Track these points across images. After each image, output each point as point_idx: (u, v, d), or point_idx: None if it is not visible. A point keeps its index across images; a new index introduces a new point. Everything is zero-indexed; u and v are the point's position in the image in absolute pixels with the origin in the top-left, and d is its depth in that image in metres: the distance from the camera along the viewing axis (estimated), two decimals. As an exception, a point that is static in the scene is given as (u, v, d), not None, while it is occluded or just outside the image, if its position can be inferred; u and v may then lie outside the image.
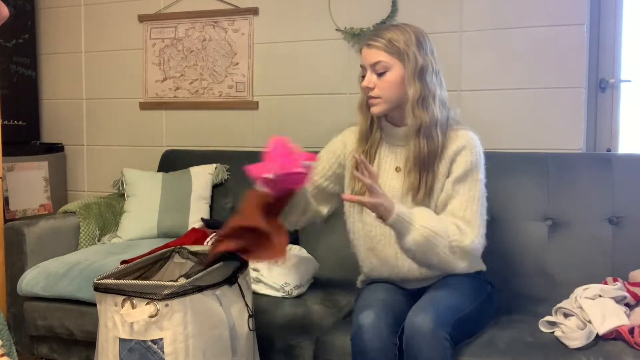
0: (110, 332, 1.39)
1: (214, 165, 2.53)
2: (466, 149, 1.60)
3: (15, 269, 2.15)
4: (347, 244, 1.81)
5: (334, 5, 2.50)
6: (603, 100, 2.28)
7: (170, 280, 1.39)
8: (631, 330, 1.45)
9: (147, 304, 1.34)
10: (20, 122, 2.91)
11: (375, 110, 1.63)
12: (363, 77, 1.64)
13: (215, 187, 2.52)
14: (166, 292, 1.34)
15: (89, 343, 1.97)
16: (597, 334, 1.47)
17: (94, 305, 1.93)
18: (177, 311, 1.35)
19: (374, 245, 1.69)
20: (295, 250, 2.11)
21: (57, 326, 2.00)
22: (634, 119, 2.27)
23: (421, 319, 1.42)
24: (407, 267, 1.64)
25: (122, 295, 1.36)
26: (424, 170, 1.60)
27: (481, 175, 1.62)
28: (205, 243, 2.12)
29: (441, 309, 1.46)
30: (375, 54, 1.59)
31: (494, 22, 2.28)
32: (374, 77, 1.60)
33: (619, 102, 2.26)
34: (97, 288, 1.40)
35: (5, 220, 2.35)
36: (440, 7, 2.34)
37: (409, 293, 1.66)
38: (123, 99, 2.92)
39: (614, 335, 1.46)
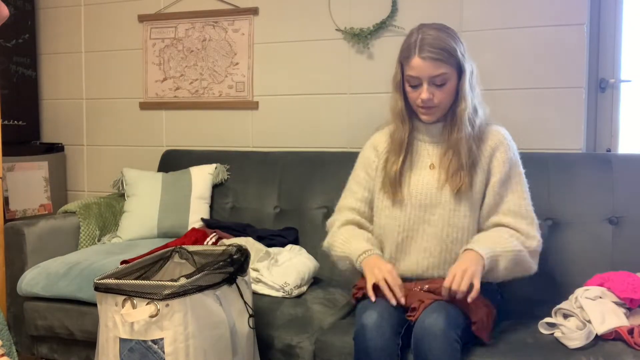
0: (111, 332, 1.39)
1: (214, 165, 2.53)
2: (502, 145, 1.65)
3: (15, 269, 2.15)
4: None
5: (334, 5, 2.50)
6: (603, 100, 2.28)
7: (171, 280, 1.40)
8: (630, 331, 1.45)
9: (147, 303, 1.34)
10: (20, 122, 2.91)
11: (430, 118, 1.65)
12: (412, 86, 1.62)
13: (215, 187, 2.52)
14: (166, 292, 1.34)
15: (89, 343, 1.97)
16: (597, 335, 1.47)
17: (94, 305, 1.94)
18: (177, 311, 1.35)
19: (401, 240, 1.68)
20: (295, 250, 2.11)
21: (57, 326, 2.00)
22: (634, 119, 2.26)
23: (433, 319, 1.41)
24: (426, 265, 1.66)
25: (123, 295, 1.36)
26: (466, 166, 1.62)
27: (521, 168, 1.69)
28: (205, 243, 2.12)
29: (452, 312, 1.46)
30: (437, 66, 1.57)
31: (494, 22, 2.28)
32: (433, 88, 1.59)
33: (619, 102, 2.26)
34: (98, 288, 1.40)
35: (5, 220, 2.35)
36: (440, 7, 2.34)
37: None
38: (123, 99, 2.92)
39: (614, 336, 1.47)
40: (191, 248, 1.70)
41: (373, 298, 1.52)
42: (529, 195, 1.68)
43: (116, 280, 1.40)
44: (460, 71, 1.61)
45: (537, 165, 2.02)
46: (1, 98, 2.44)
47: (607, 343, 1.46)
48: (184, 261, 1.69)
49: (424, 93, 1.59)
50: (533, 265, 1.62)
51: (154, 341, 1.35)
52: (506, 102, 2.28)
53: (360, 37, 2.44)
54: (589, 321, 1.49)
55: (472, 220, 1.65)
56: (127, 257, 2.03)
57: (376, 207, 1.75)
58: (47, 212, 2.85)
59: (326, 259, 2.14)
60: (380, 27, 2.42)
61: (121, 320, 1.36)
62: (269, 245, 2.15)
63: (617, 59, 2.25)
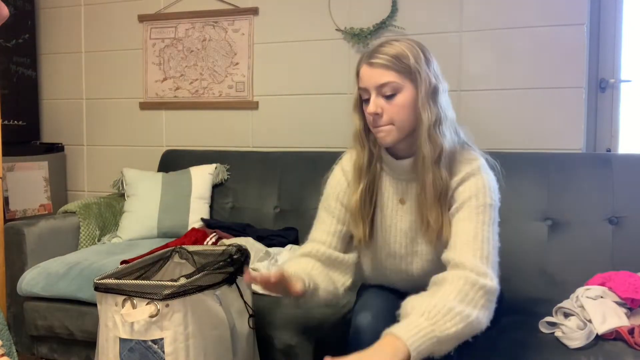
0: (111, 332, 1.39)
1: (214, 165, 2.53)
2: (473, 176, 1.40)
3: (15, 269, 2.15)
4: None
5: (334, 5, 2.50)
6: (603, 100, 2.28)
7: (171, 280, 1.39)
8: (631, 331, 1.45)
9: (147, 303, 1.34)
10: (20, 122, 2.91)
11: (385, 140, 1.38)
12: (364, 101, 1.40)
13: (215, 187, 2.52)
14: (166, 292, 1.34)
15: (89, 343, 1.97)
16: (597, 334, 1.47)
17: (94, 305, 1.93)
18: (177, 311, 1.35)
19: (384, 275, 1.59)
20: (295, 250, 2.11)
21: (57, 326, 2.00)
22: (634, 119, 2.27)
23: None
24: (411, 286, 1.54)
25: (123, 295, 1.36)
26: (442, 203, 1.40)
27: (492, 200, 1.39)
28: (205, 243, 2.12)
29: None
30: (382, 74, 1.35)
31: (494, 22, 2.28)
32: (381, 100, 1.36)
33: (619, 102, 2.26)
34: (98, 288, 1.40)
35: (5, 220, 2.35)
36: (440, 7, 2.34)
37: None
38: (123, 99, 2.92)
39: (614, 336, 1.47)
40: (191, 248, 1.70)
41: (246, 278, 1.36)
42: (494, 234, 1.38)
43: (116, 280, 1.40)
44: (416, 85, 1.36)
45: (537, 165, 2.03)
46: (1, 98, 2.44)
47: (607, 343, 1.46)
48: (184, 261, 1.69)
49: (371, 105, 1.36)
50: (484, 322, 1.27)
51: (154, 341, 1.35)
52: (506, 102, 2.28)
53: (360, 37, 2.44)
54: (590, 320, 1.49)
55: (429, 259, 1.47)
56: (127, 257, 2.03)
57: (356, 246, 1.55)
58: (47, 212, 2.85)
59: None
60: (380, 27, 2.42)
61: (121, 320, 1.36)
62: (269, 245, 2.15)
63: (617, 59, 2.25)
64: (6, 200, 2.63)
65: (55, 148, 2.98)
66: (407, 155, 1.44)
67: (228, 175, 2.53)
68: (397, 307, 1.55)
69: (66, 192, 3.04)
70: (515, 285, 1.82)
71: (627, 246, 1.87)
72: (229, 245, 1.66)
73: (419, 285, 1.39)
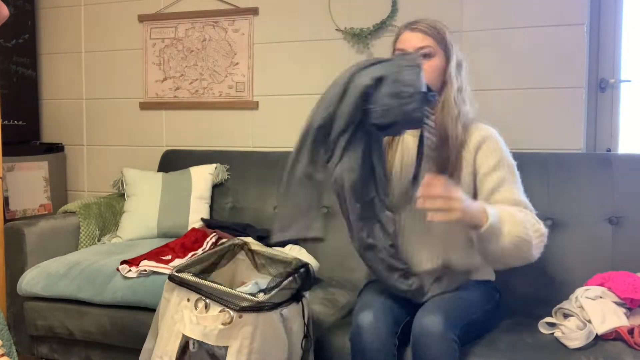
0: (176, 325, 1.37)
1: (214, 165, 2.53)
2: (488, 139, 1.60)
3: (15, 269, 2.15)
4: (347, 244, 1.81)
5: (334, 5, 2.50)
6: (603, 100, 2.28)
7: (250, 293, 1.37)
8: (631, 331, 1.45)
9: (221, 310, 1.33)
10: (20, 122, 2.91)
11: None
12: None
13: (215, 187, 2.52)
14: (244, 304, 1.33)
15: (89, 343, 1.97)
16: (597, 334, 1.47)
17: (94, 305, 1.94)
18: (248, 324, 1.33)
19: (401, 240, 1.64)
20: (295, 251, 2.11)
21: (57, 326, 2.00)
22: (634, 119, 2.26)
23: (431, 320, 1.41)
24: (417, 261, 1.62)
25: (198, 293, 1.35)
26: (446, 158, 1.56)
27: (511, 159, 1.61)
28: (205, 243, 2.12)
29: (450, 312, 1.46)
30: (422, 38, 1.57)
31: (494, 22, 2.28)
32: None
33: (619, 102, 2.26)
34: (172, 279, 1.38)
35: (5, 220, 2.35)
36: (440, 7, 2.34)
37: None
38: (123, 99, 2.92)
39: (614, 336, 1.47)
40: (253, 246, 1.66)
41: None
42: (522, 188, 1.59)
43: (195, 278, 1.38)
44: (447, 56, 1.59)
45: (537, 165, 2.03)
46: (1, 98, 2.44)
47: (607, 343, 1.46)
48: (244, 258, 1.66)
49: None
50: (535, 252, 1.47)
51: (219, 347, 1.34)
52: (506, 102, 2.28)
53: (360, 37, 2.44)
54: (589, 321, 1.49)
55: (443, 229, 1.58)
56: (127, 257, 2.03)
57: None
58: (47, 212, 2.85)
59: (326, 259, 2.14)
60: (380, 27, 2.42)
61: (191, 318, 1.35)
62: (269, 246, 2.15)
63: (617, 59, 2.24)
64: (6, 200, 2.63)
65: (55, 148, 2.98)
66: None
67: (228, 175, 2.53)
68: (398, 306, 1.56)
69: (66, 192, 3.04)
70: (515, 286, 1.83)
71: (627, 246, 1.87)
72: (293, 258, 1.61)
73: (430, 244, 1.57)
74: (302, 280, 1.51)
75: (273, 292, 1.38)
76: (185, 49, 2.77)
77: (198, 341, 1.35)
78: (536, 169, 2.02)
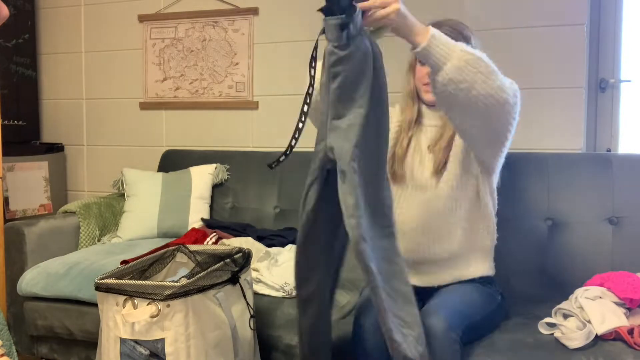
0: (112, 332, 1.39)
1: (214, 165, 2.53)
2: None
3: (15, 269, 2.15)
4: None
5: (334, 5, 2.50)
6: (603, 100, 2.28)
7: (172, 280, 1.39)
8: (630, 331, 1.45)
9: (148, 304, 1.34)
10: (20, 122, 2.91)
11: (433, 97, 1.51)
12: (422, 63, 1.63)
13: (215, 187, 2.52)
14: (167, 292, 1.34)
15: (89, 343, 1.97)
16: (597, 335, 1.47)
17: (94, 305, 1.94)
18: (178, 311, 1.35)
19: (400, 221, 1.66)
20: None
21: (57, 326, 2.00)
22: (634, 119, 2.27)
23: (434, 320, 1.42)
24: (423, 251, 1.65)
25: (124, 295, 1.36)
26: (451, 153, 1.62)
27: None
28: (205, 243, 2.12)
29: (453, 312, 1.46)
30: None
31: (494, 22, 2.28)
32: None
33: (619, 102, 2.26)
34: (99, 288, 1.40)
35: (5, 220, 2.35)
36: (440, 7, 2.34)
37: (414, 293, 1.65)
38: (123, 99, 2.92)
39: (614, 336, 1.47)
40: (193, 247, 1.70)
41: None
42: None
43: (117, 280, 1.40)
44: None
45: (537, 165, 2.03)
46: (1, 98, 2.45)
47: (607, 343, 1.46)
48: (186, 260, 1.69)
49: (424, 70, 1.61)
50: (498, 81, 1.38)
51: (155, 341, 1.35)
52: (506, 102, 2.28)
53: (360, 37, 2.44)
54: (589, 321, 1.49)
55: (463, 202, 1.62)
56: (127, 257, 2.03)
57: None
58: (47, 212, 2.85)
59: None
60: (380, 27, 2.41)
61: (122, 320, 1.36)
62: (269, 245, 2.15)
63: (617, 59, 2.25)
64: (6, 200, 2.63)
65: (55, 148, 2.98)
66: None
67: (228, 175, 2.53)
68: None
69: (66, 192, 3.04)
70: (514, 286, 1.83)
71: (627, 246, 1.87)
72: (230, 246, 1.66)
73: (434, 230, 1.61)
74: (240, 263, 1.54)
75: (197, 276, 1.39)
76: (185, 49, 2.77)
77: (134, 341, 1.36)
78: (536, 169, 2.02)
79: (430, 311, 1.46)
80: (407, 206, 1.67)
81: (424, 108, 1.73)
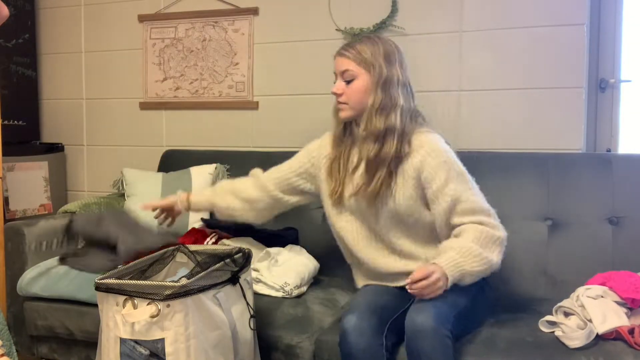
0: (112, 332, 1.39)
1: (214, 165, 2.53)
2: (430, 153, 1.63)
3: (15, 269, 2.15)
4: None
5: (334, 5, 2.50)
6: (603, 100, 2.28)
7: (172, 280, 1.39)
8: (631, 331, 1.45)
9: (148, 304, 1.34)
10: (20, 122, 2.91)
11: (341, 115, 1.73)
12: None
13: (215, 187, 2.52)
14: (167, 292, 1.34)
15: (89, 343, 1.97)
16: (597, 334, 1.47)
17: (94, 305, 1.93)
18: (178, 311, 1.35)
19: (349, 248, 1.81)
20: (295, 250, 2.11)
21: (57, 326, 2.00)
22: (634, 119, 2.27)
23: (422, 318, 1.43)
24: (383, 265, 1.74)
25: (124, 295, 1.36)
26: (377, 171, 1.66)
27: (460, 167, 1.65)
28: (205, 243, 2.12)
29: (440, 306, 1.48)
30: (345, 63, 1.69)
31: (493, 22, 2.28)
32: (343, 84, 1.70)
33: (619, 102, 2.26)
34: (99, 287, 1.40)
35: (5, 220, 2.34)
36: (440, 7, 2.34)
37: (403, 292, 1.66)
38: (123, 99, 2.92)
39: (614, 336, 1.47)
40: (193, 247, 1.70)
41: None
42: (478, 189, 1.66)
43: (117, 280, 1.40)
44: (372, 74, 1.67)
45: (537, 165, 2.03)
46: (1, 98, 2.44)
47: (607, 343, 1.46)
48: (186, 260, 1.69)
49: (334, 87, 1.72)
50: (498, 262, 1.59)
51: (155, 341, 1.35)
52: (506, 102, 2.28)
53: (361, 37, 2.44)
54: (590, 320, 1.49)
55: (417, 223, 1.68)
56: (127, 257, 2.03)
57: (327, 212, 1.85)
58: (47, 212, 2.85)
59: (326, 259, 2.15)
60: (380, 27, 2.42)
61: (122, 320, 1.36)
62: (268, 245, 2.15)
63: (617, 59, 2.25)
64: (6, 200, 2.63)
65: (55, 148, 2.98)
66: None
67: (228, 175, 2.53)
68: (387, 305, 1.60)
69: (66, 192, 3.04)
70: (515, 285, 1.83)
71: (627, 246, 1.87)
72: (231, 247, 1.66)
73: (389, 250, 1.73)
74: (240, 263, 1.55)
75: (198, 276, 1.40)
76: (185, 49, 2.77)
77: (134, 341, 1.36)
78: (536, 169, 2.02)
79: (418, 308, 1.48)
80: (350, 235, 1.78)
81: (355, 129, 1.77)
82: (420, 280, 1.47)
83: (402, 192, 1.65)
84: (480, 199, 1.63)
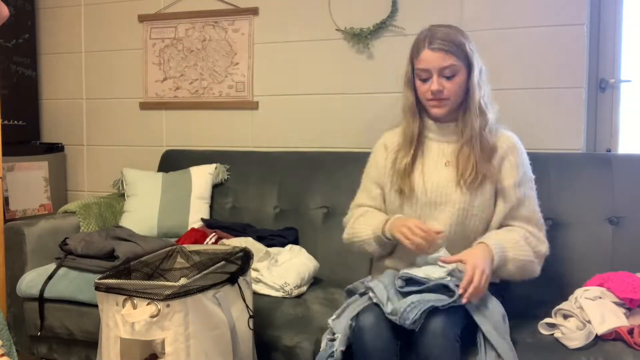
0: (112, 332, 1.39)
1: (214, 165, 2.53)
2: (514, 149, 1.68)
3: (15, 269, 2.15)
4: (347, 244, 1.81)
5: (334, 5, 2.50)
6: (603, 100, 2.28)
7: (172, 280, 1.40)
8: (630, 331, 1.45)
9: (148, 304, 1.34)
10: (20, 122, 2.91)
11: (440, 111, 1.67)
12: (422, 80, 1.66)
13: (215, 187, 2.52)
14: (167, 292, 1.34)
15: (89, 343, 1.97)
16: (597, 335, 1.47)
17: (94, 305, 1.94)
18: (178, 311, 1.35)
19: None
20: (295, 251, 2.11)
21: (57, 326, 2.00)
22: (634, 119, 2.27)
23: (433, 319, 1.42)
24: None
25: (124, 295, 1.36)
26: (482, 161, 1.64)
27: (532, 174, 1.71)
28: (205, 243, 2.12)
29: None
30: (446, 57, 1.61)
31: (494, 22, 2.28)
32: (443, 80, 1.63)
33: (619, 102, 2.26)
34: (99, 288, 1.40)
35: (5, 220, 2.35)
36: (440, 7, 2.34)
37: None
38: (123, 99, 2.92)
39: (613, 336, 1.47)
40: (192, 247, 1.70)
41: (415, 242, 1.54)
42: (537, 202, 1.70)
43: (117, 280, 1.40)
44: (469, 67, 1.64)
45: (537, 165, 2.01)
46: (1, 98, 2.44)
47: (607, 343, 1.46)
48: (185, 260, 1.69)
49: (434, 84, 1.62)
50: (537, 270, 1.64)
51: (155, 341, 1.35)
52: (506, 102, 2.27)
53: (360, 37, 2.44)
54: (589, 321, 1.49)
55: (481, 221, 1.67)
56: (127, 257, 2.03)
57: (387, 207, 1.77)
58: (47, 212, 2.85)
59: (326, 259, 2.15)
60: (380, 27, 2.42)
61: (122, 320, 1.36)
62: (269, 245, 2.15)
63: (617, 59, 2.25)
64: (6, 200, 2.63)
65: (55, 148, 2.98)
66: (449, 120, 1.71)
67: (228, 175, 2.53)
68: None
69: (66, 192, 3.04)
70: (515, 286, 1.82)
71: (627, 246, 1.87)
72: (232, 247, 1.66)
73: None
74: (240, 264, 1.55)
75: (197, 276, 1.40)
76: (185, 49, 2.77)
77: (135, 341, 1.37)
78: (536, 169, 2.01)
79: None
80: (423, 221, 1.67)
81: (429, 122, 1.73)
82: (469, 284, 1.45)
83: (488, 188, 1.66)
84: (539, 211, 1.67)
